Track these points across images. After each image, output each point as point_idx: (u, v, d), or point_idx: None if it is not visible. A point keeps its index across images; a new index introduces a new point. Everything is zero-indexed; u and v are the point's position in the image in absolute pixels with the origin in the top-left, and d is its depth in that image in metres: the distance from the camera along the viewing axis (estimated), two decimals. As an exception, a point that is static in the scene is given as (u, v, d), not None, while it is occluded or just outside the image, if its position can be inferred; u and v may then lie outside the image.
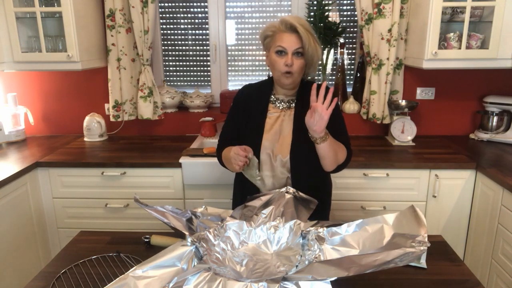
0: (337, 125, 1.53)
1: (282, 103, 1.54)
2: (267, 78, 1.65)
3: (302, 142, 1.46)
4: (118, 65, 2.56)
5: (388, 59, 2.42)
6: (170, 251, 1.00)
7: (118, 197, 2.26)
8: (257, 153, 1.48)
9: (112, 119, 2.64)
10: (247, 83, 1.67)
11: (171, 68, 2.86)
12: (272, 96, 1.56)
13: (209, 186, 2.19)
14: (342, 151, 1.49)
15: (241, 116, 1.57)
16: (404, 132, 2.46)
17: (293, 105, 1.54)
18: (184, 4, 2.72)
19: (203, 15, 2.73)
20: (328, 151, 1.42)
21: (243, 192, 1.56)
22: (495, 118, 2.49)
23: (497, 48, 2.17)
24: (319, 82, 2.71)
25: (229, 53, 2.80)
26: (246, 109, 1.57)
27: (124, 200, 2.27)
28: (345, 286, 1.09)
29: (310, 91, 1.52)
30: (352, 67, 2.78)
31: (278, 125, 1.52)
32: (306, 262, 1.07)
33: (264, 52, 1.55)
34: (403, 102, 2.50)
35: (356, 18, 2.65)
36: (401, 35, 2.45)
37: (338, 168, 1.54)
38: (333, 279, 0.88)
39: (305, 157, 1.48)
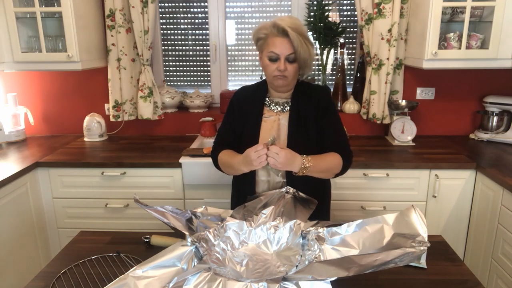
0: (332, 125, 1.50)
1: (277, 106, 1.52)
2: (261, 79, 1.62)
3: (297, 147, 1.42)
4: (118, 65, 2.56)
5: (388, 59, 2.42)
6: (170, 251, 1.00)
7: (118, 197, 2.27)
8: None
9: (112, 119, 2.64)
10: (247, 83, 1.66)
11: (171, 68, 2.86)
12: (267, 99, 1.54)
13: (209, 186, 2.19)
14: (336, 164, 1.46)
15: (237, 119, 1.55)
16: (404, 132, 2.46)
17: (288, 108, 1.51)
18: (184, 4, 2.72)
19: (203, 15, 2.73)
20: (318, 174, 1.41)
21: (241, 193, 1.56)
22: (495, 118, 2.49)
23: (497, 48, 2.17)
24: (319, 83, 2.72)
25: (229, 53, 2.80)
26: (242, 112, 1.55)
27: (124, 200, 2.27)
28: (345, 286, 1.09)
29: (305, 93, 1.51)
30: (352, 67, 2.78)
31: (274, 130, 1.50)
32: (306, 262, 1.07)
33: (258, 52, 1.53)
34: (403, 102, 2.50)
35: (356, 18, 2.65)
36: (401, 35, 2.45)
37: (337, 175, 1.52)
38: (333, 279, 0.88)
39: None
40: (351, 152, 1.52)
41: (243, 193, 1.52)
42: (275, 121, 1.51)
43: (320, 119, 1.49)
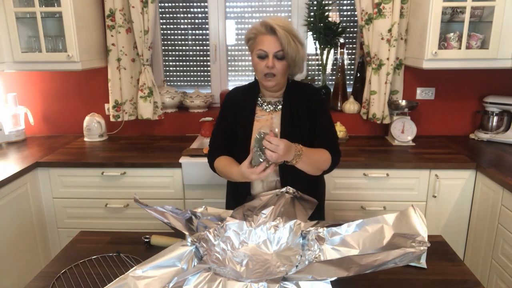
0: (323, 124, 1.52)
1: (269, 105, 1.54)
2: (254, 80, 1.63)
3: None
4: (118, 65, 2.56)
5: (388, 59, 2.42)
6: (170, 251, 1.00)
7: (118, 197, 2.27)
8: (245, 158, 1.44)
9: (112, 119, 2.64)
10: (247, 83, 1.66)
11: (171, 68, 2.86)
12: (259, 99, 1.56)
13: (209, 186, 2.19)
14: (324, 160, 1.47)
15: (230, 121, 1.56)
16: (404, 132, 2.46)
17: (280, 107, 1.53)
18: (184, 4, 2.72)
19: (203, 15, 2.73)
20: (306, 167, 1.41)
21: (237, 193, 1.56)
22: (495, 118, 2.49)
23: (497, 48, 2.17)
24: (319, 83, 2.72)
25: (229, 53, 2.80)
26: (235, 113, 1.56)
27: (124, 200, 2.27)
28: (345, 286, 1.09)
29: (297, 92, 1.54)
30: (352, 67, 2.78)
31: (265, 128, 1.51)
32: (306, 262, 1.07)
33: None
34: (403, 102, 2.50)
35: (356, 18, 2.65)
36: (401, 35, 2.45)
37: (325, 173, 1.54)
38: (333, 279, 0.88)
39: None
40: (340, 152, 1.54)
41: (239, 193, 1.54)
42: (267, 120, 1.52)
43: (313, 119, 1.51)
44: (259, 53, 1.43)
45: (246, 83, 1.66)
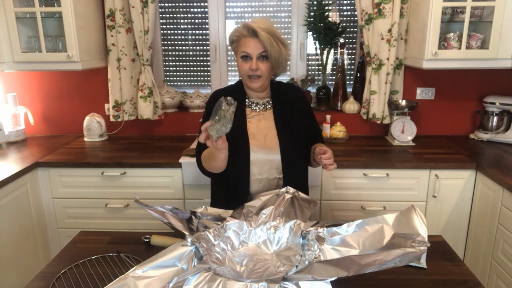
0: (315, 121, 1.64)
1: (258, 105, 1.56)
2: (238, 81, 1.63)
3: (289, 141, 1.50)
4: (118, 65, 2.56)
5: (388, 59, 2.42)
6: (170, 251, 1.00)
7: (118, 197, 2.26)
8: (246, 159, 1.47)
9: (112, 119, 2.64)
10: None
11: (171, 68, 2.86)
12: (247, 100, 1.57)
13: (209, 186, 2.18)
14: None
15: None
16: (404, 132, 2.46)
17: (269, 106, 1.56)
18: (184, 4, 2.72)
19: (203, 15, 2.73)
20: None
21: (231, 194, 1.55)
22: (495, 118, 2.49)
23: (497, 48, 2.17)
24: (319, 83, 2.72)
25: (229, 53, 2.80)
26: None
27: (124, 200, 2.27)
28: (345, 286, 1.09)
29: (283, 90, 1.60)
30: (352, 67, 2.78)
31: (262, 128, 1.52)
32: (306, 262, 1.07)
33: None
34: (403, 102, 2.50)
35: (356, 18, 2.65)
36: (401, 35, 2.45)
37: None
38: (333, 279, 0.88)
39: (294, 155, 1.51)
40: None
41: (235, 194, 1.51)
42: (260, 120, 1.54)
43: (305, 117, 1.59)
44: (242, 55, 1.46)
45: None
